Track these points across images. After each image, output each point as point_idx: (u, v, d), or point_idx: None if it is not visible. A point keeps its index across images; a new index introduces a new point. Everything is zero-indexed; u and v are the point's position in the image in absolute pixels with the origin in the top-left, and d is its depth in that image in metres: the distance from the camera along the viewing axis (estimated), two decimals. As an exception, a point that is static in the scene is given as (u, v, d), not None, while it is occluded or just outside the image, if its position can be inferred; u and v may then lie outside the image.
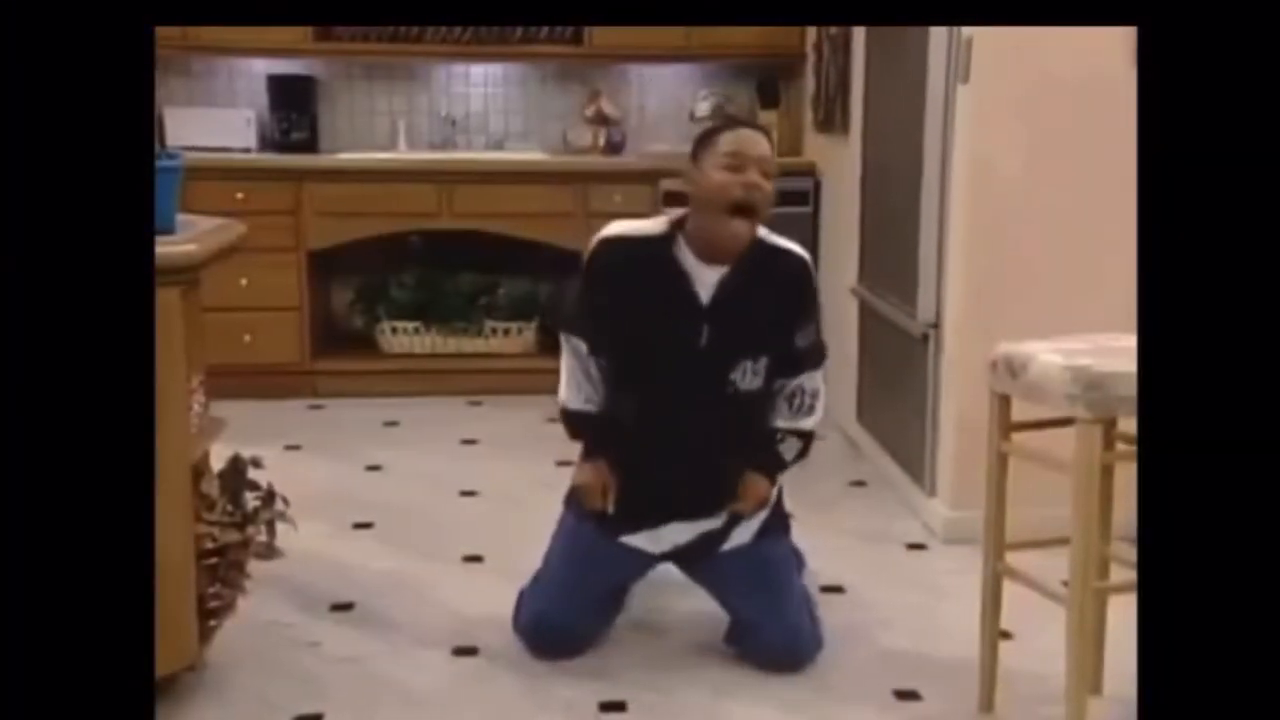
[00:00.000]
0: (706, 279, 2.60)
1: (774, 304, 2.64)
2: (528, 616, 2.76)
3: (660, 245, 2.62)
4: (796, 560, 2.97)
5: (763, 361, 2.64)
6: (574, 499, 2.78)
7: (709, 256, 2.60)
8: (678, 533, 2.71)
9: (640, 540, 2.72)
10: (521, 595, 2.81)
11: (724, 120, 2.82)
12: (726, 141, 2.58)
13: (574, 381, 2.75)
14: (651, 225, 2.68)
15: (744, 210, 2.55)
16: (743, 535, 2.73)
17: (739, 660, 2.71)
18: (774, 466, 2.74)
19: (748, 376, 2.63)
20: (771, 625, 2.68)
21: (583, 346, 2.72)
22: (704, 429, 2.65)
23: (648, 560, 2.76)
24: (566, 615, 2.70)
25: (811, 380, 2.72)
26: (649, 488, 2.69)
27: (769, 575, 2.72)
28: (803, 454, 2.78)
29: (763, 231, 2.65)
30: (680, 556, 2.75)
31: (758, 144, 2.60)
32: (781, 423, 2.73)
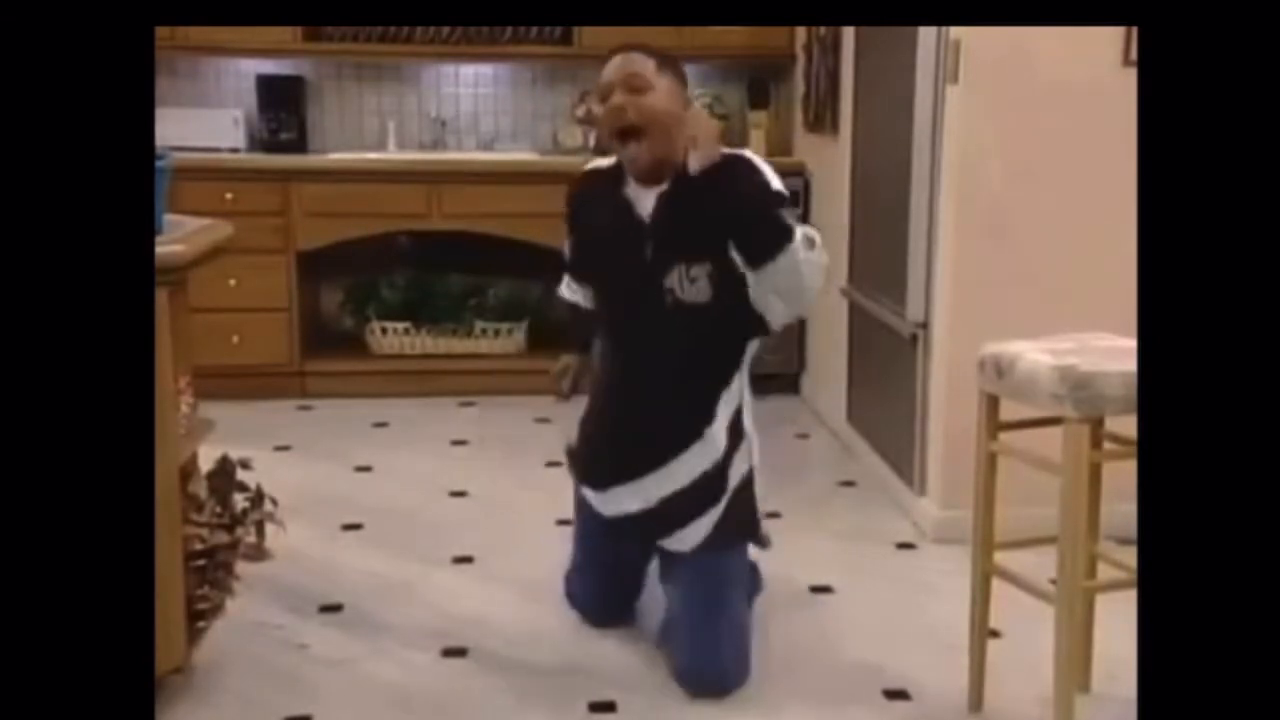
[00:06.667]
0: (647, 201, 2.61)
1: (717, 208, 2.45)
2: (569, 585, 2.96)
3: (613, 176, 2.66)
4: (754, 580, 2.87)
5: (703, 268, 2.50)
6: (569, 459, 2.87)
7: (639, 181, 2.61)
8: (622, 498, 2.67)
9: (595, 500, 2.76)
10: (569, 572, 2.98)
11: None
12: (602, 75, 2.62)
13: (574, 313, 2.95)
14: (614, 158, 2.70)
15: (626, 134, 2.55)
16: (692, 536, 2.62)
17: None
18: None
19: (684, 284, 2.51)
20: (687, 640, 2.59)
21: (580, 300, 2.88)
22: (656, 357, 2.58)
23: (608, 523, 2.74)
24: (588, 575, 2.89)
25: (790, 259, 2.39)
26: (602, 444, 2.73)
27: (702, 589, 2.62)
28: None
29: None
30: (633, 529, 2.69)
31: (624, 63, 2.58)
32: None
